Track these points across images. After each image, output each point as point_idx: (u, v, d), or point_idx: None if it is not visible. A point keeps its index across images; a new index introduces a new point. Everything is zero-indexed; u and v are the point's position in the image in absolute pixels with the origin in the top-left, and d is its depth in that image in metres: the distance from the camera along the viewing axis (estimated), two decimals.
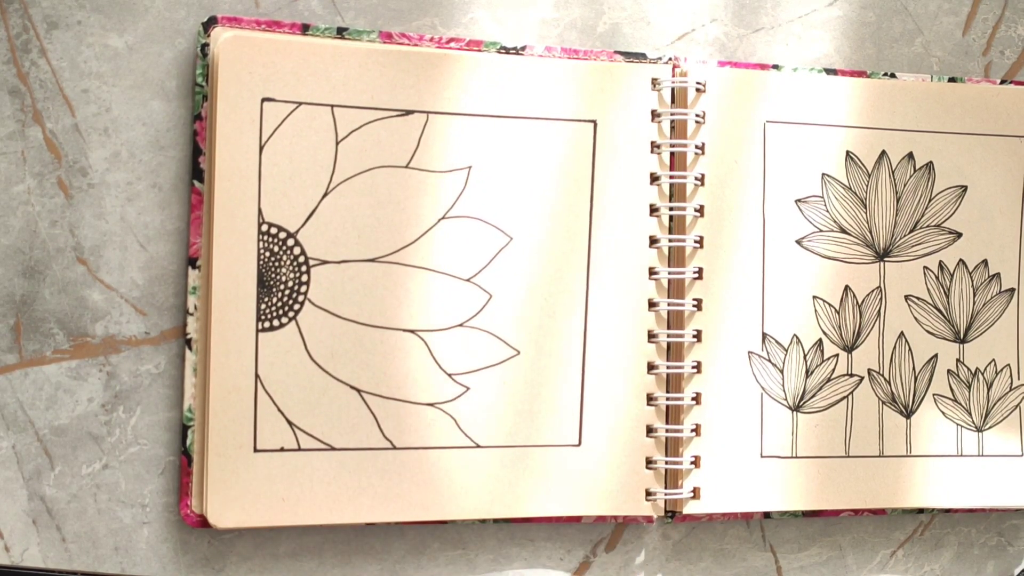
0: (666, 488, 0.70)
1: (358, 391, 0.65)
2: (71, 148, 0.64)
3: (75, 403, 0.64)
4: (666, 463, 0.69)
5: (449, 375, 0.66)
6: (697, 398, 0.70)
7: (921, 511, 0.74)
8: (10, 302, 0.63)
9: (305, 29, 0.65)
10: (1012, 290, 0.75)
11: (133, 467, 0.64)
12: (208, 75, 0.64)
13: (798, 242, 0.71)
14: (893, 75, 0.74)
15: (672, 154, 0.70)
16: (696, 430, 0.70)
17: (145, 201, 0.64)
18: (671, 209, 0.69)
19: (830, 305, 0.72)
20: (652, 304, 0.69)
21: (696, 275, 0.70)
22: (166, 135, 0.65)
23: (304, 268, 0.64)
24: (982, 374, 0.74)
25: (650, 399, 0.69)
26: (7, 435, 0.63)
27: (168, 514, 0.65)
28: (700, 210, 0.70)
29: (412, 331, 0.66)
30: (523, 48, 0.68)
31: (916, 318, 0.73)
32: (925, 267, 0.73)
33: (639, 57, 0.70)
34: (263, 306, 0.64)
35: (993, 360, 0.75)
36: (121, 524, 0.64)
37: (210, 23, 0.64)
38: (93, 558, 0.64)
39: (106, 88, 0.64)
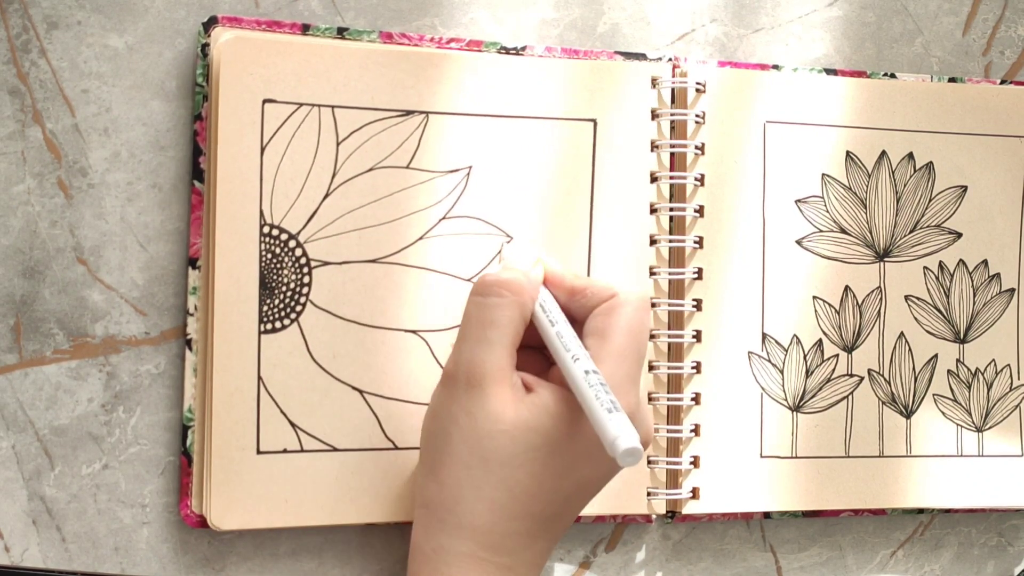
0: (666, 488, 0.70)
1: (360, 392, 0.65)
2: (71, 148, 0.64)
3: (75, 403, 0.64)
4: (666, 463, 0.69)
5: None
6: (697, 398, 0.70)
7: (921, 511, 0.75)
8: (10, 302, 0.63)
9: (305, 29, 0.65)
10: (1012, 290, 0.75)
11: (133, 467, 0.64)
12: (208, 75, 0.64)
13: (798, 242, 0.71)
14: (893, 75, 0.74)
15: (672, 154, 0.70)
16: (696, 430, 0.70)
17: (145, 201, 0.64)
18: (671, 209, 0.69)
19: (830, 305, 0.72)
20: (652, 304, 0.69)
21: (696, 275, 0.70)
22: (166, 135, 0.65)
23: (306, 269, 0.64)
24: (982, 374, 0.74)
25: (650, 398, 0.69)
26: (7, 435, 0.63)
27: (168, 514, 0.65)
28: (700, 210, 0.70)
29: (414, 331, 0.66)
30: (523, 48, 0.68)
31: (916, 318, 0.73)
32: (925, 267, 0.73)
33: (639, 57, 0.70)
34: (265, 308, 0.64)
35: (993, 360, 0.75)
36: (121, 524, 0.64)
37: (210, 23, 0.64)
38: (93, 558, 0.64)
39: (106, 88, 0.64)
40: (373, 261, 0.65)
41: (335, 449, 0.65)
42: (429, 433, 0.61)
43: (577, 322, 0.61)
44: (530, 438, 0.57)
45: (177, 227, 0.65)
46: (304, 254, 0.64)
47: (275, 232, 0.64)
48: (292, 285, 0.64)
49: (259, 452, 0.64)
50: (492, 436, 0.57)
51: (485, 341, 0.58)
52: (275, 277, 0.64)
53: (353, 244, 0.65)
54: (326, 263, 0.65)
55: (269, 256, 0.64)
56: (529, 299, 0.60)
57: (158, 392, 0.65)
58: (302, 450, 0.64)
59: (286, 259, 0.64)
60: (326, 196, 0.65)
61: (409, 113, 0.66)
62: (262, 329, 0.64)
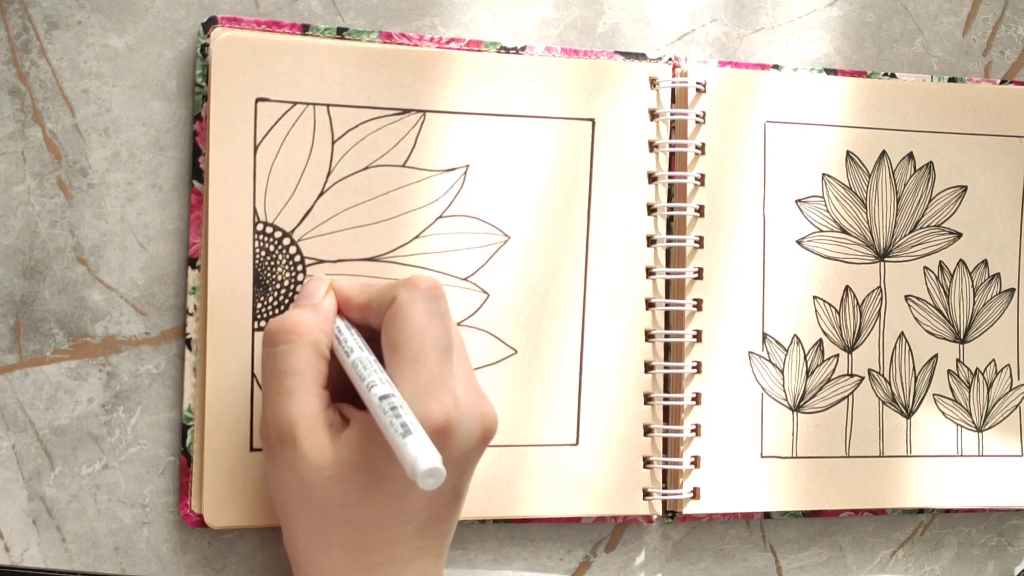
0: (666, 488, 0.70)
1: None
2: (71, 148, 0.64)
3: (75, 403, 0.64)
4: (664, 463, 0.69)
5: None
6: (697, 398, 0.70)
7: (921, 511, 0.74)
8: (10, 302, 0.63)
9: (305, 29, 0.65)
10: (1012, 290, 0.75)
11: (133, 467, 0.64)
12: (208, 75, 0.64)
13: (798, 242, 0.71)
14: (893, 75, 0.74)
15: (672, 154, 0.70)
16: (696, 430, 0.70)
17: (145, 201, 0.64)
18: (670, 209, 0.69)
19: (830, 305, 0.72)
20: (649, 304, 0.69)
21: (696, 275, 0.70)
22: (166, 135, 0.65)
23: (300, 267, 0.64)
24: (982, 374, 0.74)
25: (647, 399, 0.69)
26: (7, 435, 0.63)
27: (168, 514, 0.65)
28: (700, 210, 0.70)
29: None
30: (523, 48, 0.68)
31: (916, 318, 0.73)
32: (925, 267, 0.73)
33: (639, 57, 0.70)
34: (259, 305, 0.64)
35: (993, 360, 0.74)
36: (121, 524, 0.64)
37: (210, 23, 0.64)
38: (93, 558, 0.64)
39: (106, 88, 0.64)
40: (368, 259, 0.65)
41: None
42: (272, 497, 0.60)
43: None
44: (355, 475, 0.56)
45: (177, 227, 0.65)
46: (298, 252, 0.64)
47: (269, 230, 0.64)
48: (286, 283, 0.64)
49: (252, 449, 0.64)
50: (319, 484, 0.56)
51: (285, 393, 0.57)
52: (269, 275, 0.64)
53: (348, 242, 0.65)
54: (320, 261, 0.65)
55: (263, 254, 0.64)
56: (321, 334, 0.58)
57: (158, 392, 0.65)
58: None
59: (280, 257, 0.64)
60: (321, 194, 0.65)
61: (406, 111, 0.66)
62: (256, 327, 0.64)
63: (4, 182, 0.63)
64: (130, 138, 0.64)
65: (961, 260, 0.74)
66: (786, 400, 0.71)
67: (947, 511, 0.75)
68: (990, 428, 0.74)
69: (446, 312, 0.58)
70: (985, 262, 0.74)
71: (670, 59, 0.70)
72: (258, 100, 0.64)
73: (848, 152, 0.72)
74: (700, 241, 0.70)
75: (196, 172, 0.64)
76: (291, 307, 0.61)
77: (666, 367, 0.69)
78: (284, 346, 0.57)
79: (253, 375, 0.64)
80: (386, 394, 0.54)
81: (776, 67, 0.72)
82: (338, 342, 0.59)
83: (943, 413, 0.74)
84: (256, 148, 0.64)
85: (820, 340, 0.72)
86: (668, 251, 0.70)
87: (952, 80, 0.75)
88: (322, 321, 0.59)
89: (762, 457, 0.71)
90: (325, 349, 0.58)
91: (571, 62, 0.68)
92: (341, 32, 0.66)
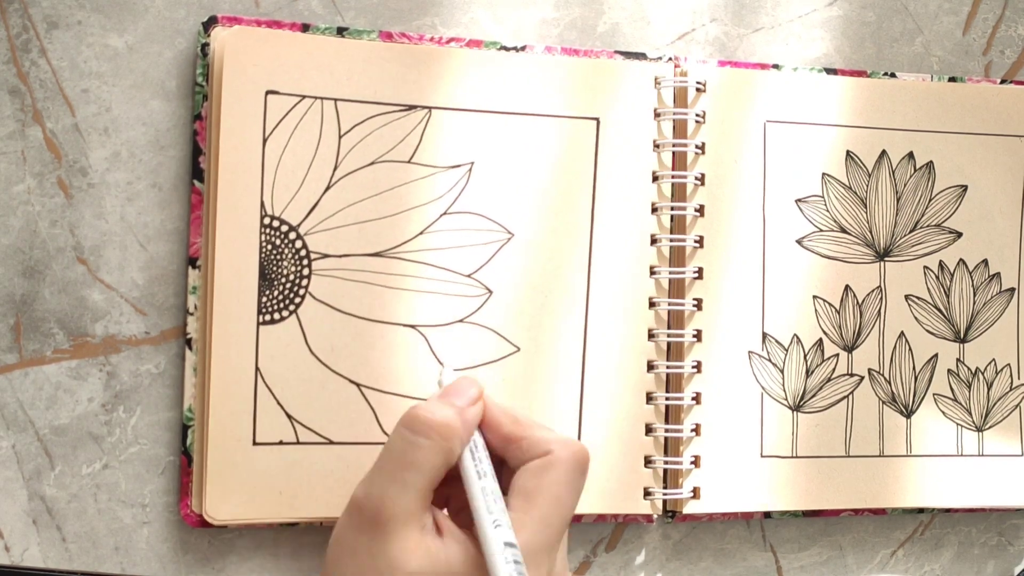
0: (666, 488, 0.70)
1: (357, 385, 0.65)
2: (71, 148, 0.64)
3: (75, 403, 0.64)
4: (665, 462, 0.69)
5: None
6: (697, 398, 0.70)
7: (921, 511, 0.74)
8: (10, 302, 0.63)
9: (305, 29, 0.65)
10: (1012, 290, 0.75)
11: (133, 467, 0.64)
12: (208, 75, 0.64)
13: (798, 242, 0.71)
14: (893, 75, 0.74)
15: (673, 153, 0.70)
16: (696, 430, 0.70)
17: (145, 201, 0.64)
18: (672, 208, 0.69)
19: (830, 305, 0.72)
20: (652, 303, 0.69)
21: (696, 275, 0.70)
22: (166, 135, 0.65)
23: (305, 261, 0.64)
24: (982, 374, 0.74)
25: (649, 398, 0.69)
26: (7, 435, 0.63)
27: (168, 514, 0.65)
28: (700, 210, 0.70)
29: (412, 326, 0.66)
30: (523, 48, 0.68)
31: (916, 318, 0.73)
32: (925, 267, 0.73)
33: (639, 57, 0.70)
34: (264, 299, 0.64)
35: (993, 360, 0.75)
36: (121, 524, 0.64)
37: (210, 23, 0.64)
38: (93, 558, 0.64)
39: (106, 88, 0.64)
40: (373, 255, 0.65)
41: (331, 442, 0.65)
42: (329, 559, 0.57)
43: (507, 468, 0.58)
44: None
45: (177, 227, 0.65)
46: (304, 246, 0.64)
47: (276, 224, 0.64)
48: (292, 277, 0.64)
49: (255, 443, 0.64)
50: None
51: (400, 482, 0.55)
52: (275, 268, 0.64)
53: (353, 237, 0.65)
54: (326, 255, 0.65)
55: (269, 247, 0.64)
56: (459, 444, 0.57)
57: (158, 392, 0.65)
58: (298, 442, 0.64)
59: (286, 251, 0.64)
60: (327, 189, 0.65)
61: (412, 108, 0.66)
62: (261, 320, 0.64)
63: (4, 182, 0.63)
64: (130, 138, 0.64)
65: (961, 260, 0.74)
66: (786, 400, 0.71)
67: (947, 511, 0.75)
68: (990, 428, 0.74)
69: (582, 488, 0.58)
70: (985, 262, 0.74)
71: (670, 59, 0.71)
72: (268, 93, 0.64)
73: (848, 152, 0.72)
74: (700, 240, 0.70)
75: (196, 172, 0.64)
76: (437, 396, 0.59)
77: (667, 366, 0.69)
78: (423, 440, 0.56)
79: (257, 369, 0.64)
80: (512, 542, 0.53)
81: (776, 67, 0.72)
82: (471, 457, 0.57)
83: (943, 413, 0.74)
84: (265, 141, 0.64)
85: (820, 340, 0.72)
86: (670, 250, 0.70)
87: (952, 80, 0.75)
88: (464, 431, 0.57)
89: (762, 457, 0.71)
90: (455, 458, 0.57)
91: (576, 61, 0.68)
92: (341, 32, 0.66)
